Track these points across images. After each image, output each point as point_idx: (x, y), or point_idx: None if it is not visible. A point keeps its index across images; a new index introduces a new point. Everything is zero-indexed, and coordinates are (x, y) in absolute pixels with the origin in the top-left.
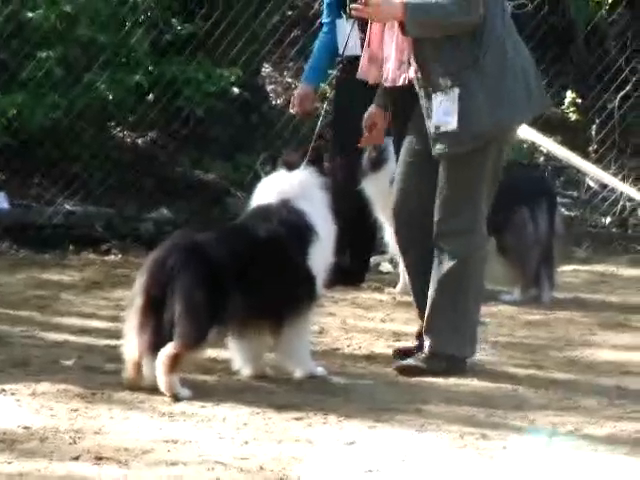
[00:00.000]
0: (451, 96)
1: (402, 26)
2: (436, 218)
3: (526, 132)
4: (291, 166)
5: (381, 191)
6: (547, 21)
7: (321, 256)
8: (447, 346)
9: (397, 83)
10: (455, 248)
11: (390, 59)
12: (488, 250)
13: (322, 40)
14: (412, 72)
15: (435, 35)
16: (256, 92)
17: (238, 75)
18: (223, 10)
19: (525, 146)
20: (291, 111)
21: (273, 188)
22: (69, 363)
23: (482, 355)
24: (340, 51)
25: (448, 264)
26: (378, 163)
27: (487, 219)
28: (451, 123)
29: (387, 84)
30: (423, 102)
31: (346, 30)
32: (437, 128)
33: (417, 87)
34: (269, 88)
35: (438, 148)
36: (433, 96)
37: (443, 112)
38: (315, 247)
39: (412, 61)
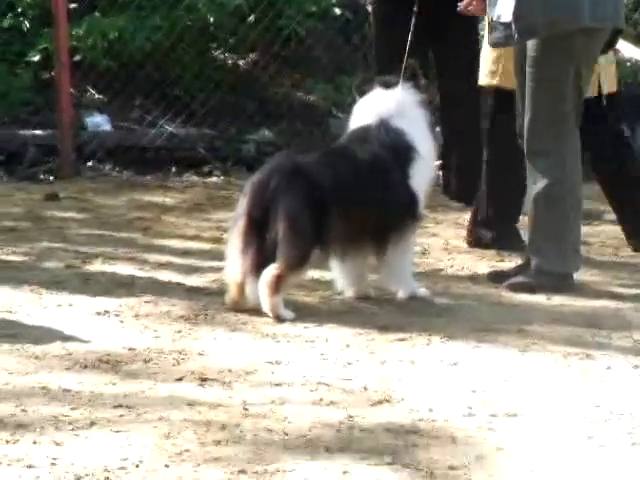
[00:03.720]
0: None
1: None
2: (525, 136)
3: (631, 50)
4: (388, 85)
5: None
6: None
7: (423, 175)
8: (552, 263)
9: None
10: (547, 167)
11: None
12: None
13: None
14: None
15: None
16: (357, 12)
17: None
18: None
19: (629, 64)
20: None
21: (371, 108)
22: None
23: (586, 275)
24: None
25: (542, 182)
26: None
27: (584, 136)
28: (508, 14)
29: None
30: None
31: None
32: (498, 17)
33: None
34: (370, 8)
35: (493, 36)
36: None
37: (504, 2)
38: (416, 166)
39: None
